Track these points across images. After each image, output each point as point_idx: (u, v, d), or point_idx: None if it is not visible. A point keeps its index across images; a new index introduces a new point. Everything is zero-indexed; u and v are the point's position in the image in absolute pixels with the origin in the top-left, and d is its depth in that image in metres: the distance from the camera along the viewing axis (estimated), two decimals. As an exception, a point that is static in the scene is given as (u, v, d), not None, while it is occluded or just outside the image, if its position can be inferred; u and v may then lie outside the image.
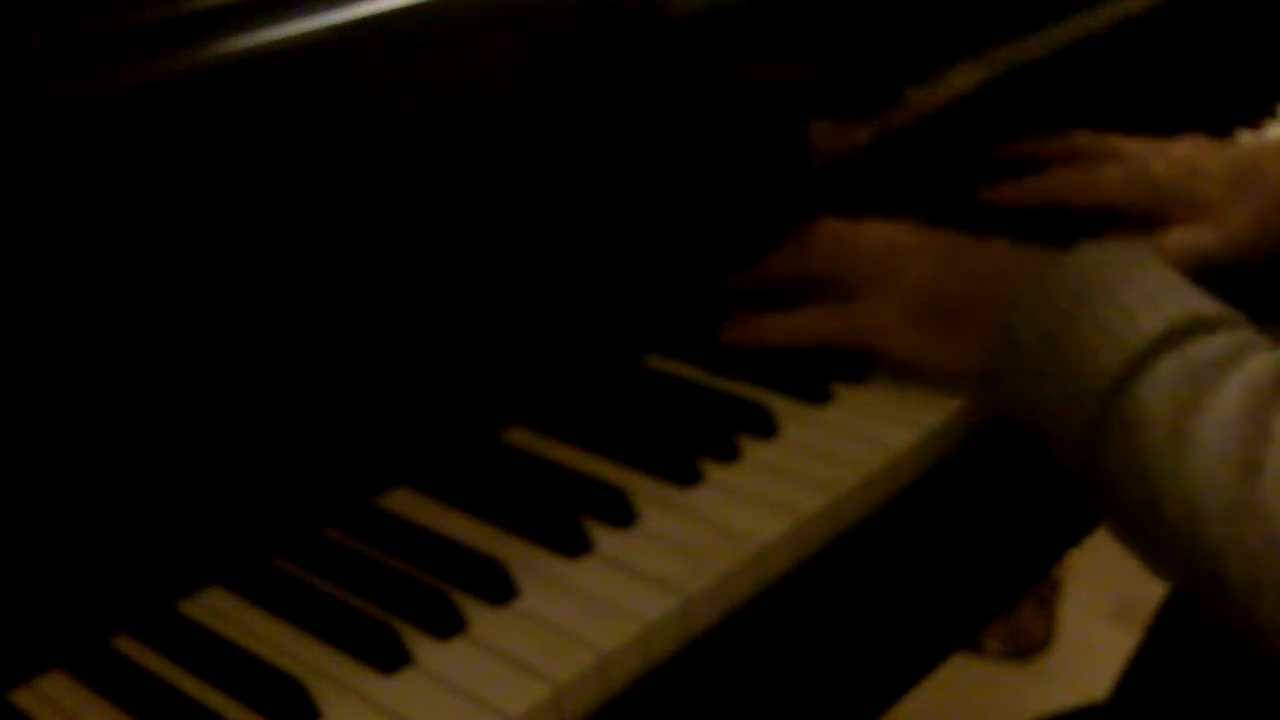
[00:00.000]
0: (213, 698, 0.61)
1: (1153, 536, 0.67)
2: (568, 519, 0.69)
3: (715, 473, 0.73)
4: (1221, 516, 0.64)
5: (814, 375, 0.79)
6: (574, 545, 0.68)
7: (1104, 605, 1.84)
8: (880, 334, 0.79)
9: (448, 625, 0.64)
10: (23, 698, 0.62)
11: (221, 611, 0.66)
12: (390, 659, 0.62)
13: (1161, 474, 0.66)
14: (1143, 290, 0.70)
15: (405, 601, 0.65)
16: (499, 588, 0.65)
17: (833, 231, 0.85)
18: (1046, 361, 0.71)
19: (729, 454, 0.74)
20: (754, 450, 0.75)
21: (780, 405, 0.78)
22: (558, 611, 0.64)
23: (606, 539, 0.69)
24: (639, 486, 0.72)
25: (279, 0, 0.64)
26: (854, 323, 0.80)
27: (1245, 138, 1.11)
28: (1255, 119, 1.13)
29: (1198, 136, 0.98)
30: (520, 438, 0.77)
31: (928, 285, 0.79)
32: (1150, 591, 0.97)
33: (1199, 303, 0.70)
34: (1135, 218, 0.93)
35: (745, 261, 0.88)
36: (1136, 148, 0.95)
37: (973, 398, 0.77)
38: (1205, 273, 0.86)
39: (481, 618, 0.64)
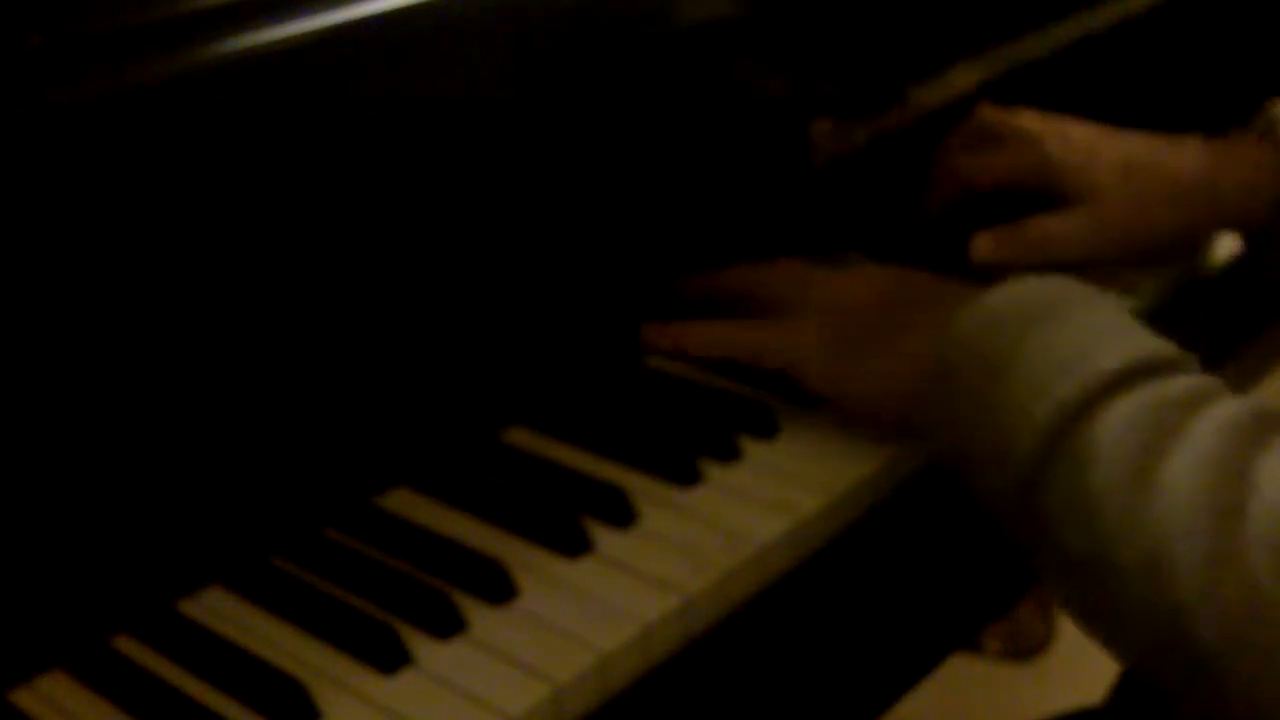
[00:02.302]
0: (213, 698, 0.61)
1: (1098, 586, 0.62)
2: (568, 519, 0.69)
3: (715, 473, 0.73)
4: (1193, 566, 0.58)
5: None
6: (574, 545, 0.68)
7: (1104, 605, 1.84)
8: (796, 357, 0.76)
9: (448, 625, 0.64)
10: (23, 698, 0.62)
11: (221, 611, 0.66)
12: (390, 659, 0.62)
13: (1118, 519, 0.60)
14: (1095, 324, 0.66)
15: (405, 601, 0.65)
16: (499, 588, 0.65)
17: (786, 266, 0.82)
18: (986, 391, 0.66)
19: (729, 454, 0.74)
20: (754, 450, 0.75)
21: (781, 406, 0.78)
22: (558, 611, 0.64)
23: (606, 539, 0.69)
24: (639, 486, 0.72)
25: (279, 0, 0.64)
26: (769, 341, 0.77)
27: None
28: (1254, 119, 1.13)
29: (1151, 135, 0.93)
30: (520, 438, 0.77)
31: (848, 307, 0.76)
32: (1150, 591, 0.97)
33: (1156, 343, 0.66)
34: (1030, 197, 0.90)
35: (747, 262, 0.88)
36: (1035, 126, 0.91)
37: (887, 433, 0.73)
38: (1073, 262, 0.84)
39: (481, 618, 0.64)
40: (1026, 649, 1.80)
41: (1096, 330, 0.66)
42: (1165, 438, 0.61)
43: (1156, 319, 0.82)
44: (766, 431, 0.76)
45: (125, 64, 0.60)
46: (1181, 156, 0.90)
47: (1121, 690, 0.94)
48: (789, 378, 0.78)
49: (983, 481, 0.67)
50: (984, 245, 0.88)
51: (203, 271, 0.65)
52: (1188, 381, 0.64)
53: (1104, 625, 0.63)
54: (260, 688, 0.61)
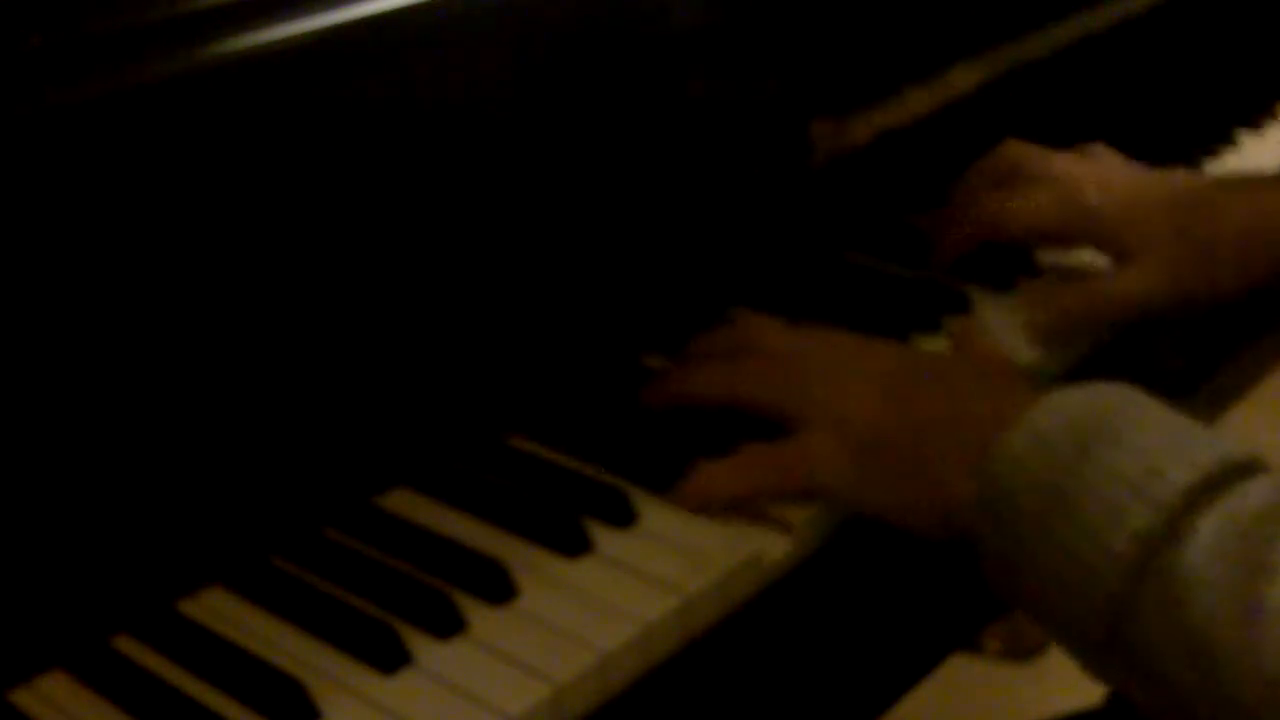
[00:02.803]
0: (213, 698, 0.61)
1: (1207, 713, 0.58)
2: (568, 519, 0.69)
3: (715, 473, 0.73)
4: None
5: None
6: (574, 545, 0.68)
7: (1104, 605, 1.84)
8: (824, 480, 0.69)
9: (448, 625, 0.64)
10: (23, 698, 0.62)
11: (221, 611, 0.66)
12: (390, 659, 0.62)
13: (1231, 652, 0.56)
14: (1152, 437, 0.61)
15: (405, 601, 0.65)
16: (499, 588, 0.65)
17: (759, 349, 0.75)
18: (1049, 522, 0.61)
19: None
20: (754, 450, 0.75)
21: (780, 405, 0.78)
22: (558, 611, 0.64)
23: (606, 539, 0.69)
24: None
25: (279, 0, 0.64)
26: (793, 467, 0.70)
27: (1244, 139, 1.11)
28: (1255, 119, 1.13)
29: (1135, 164, 0.89)
30: (521, 438, 0.77)
31: (870, 421, 0.69)
32: (1150, 591, 0.97)
33: (1222, 446, 0.61)
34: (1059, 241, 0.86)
35: (747, 262, 0.88)
36: (1070, 169, 0.86)
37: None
38: (1146, 317, 0.82)
39: (481, 618, 0.64)
40: (1026, 649, 1.80)
41: (1156, 443, 0.61)
42: (1264, 554, 0.56)
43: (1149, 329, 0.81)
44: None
45: (125, 64, 0.60)
46: (1231, 196, 0.86)
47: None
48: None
49: (1061, 621, 0.62)
50: (1038, 310, 0.83)
51: (203, 272, 0.65)
52: (1264, 487, 0.60)
53: None
54: (260, 688, 0.61)
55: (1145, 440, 0.61)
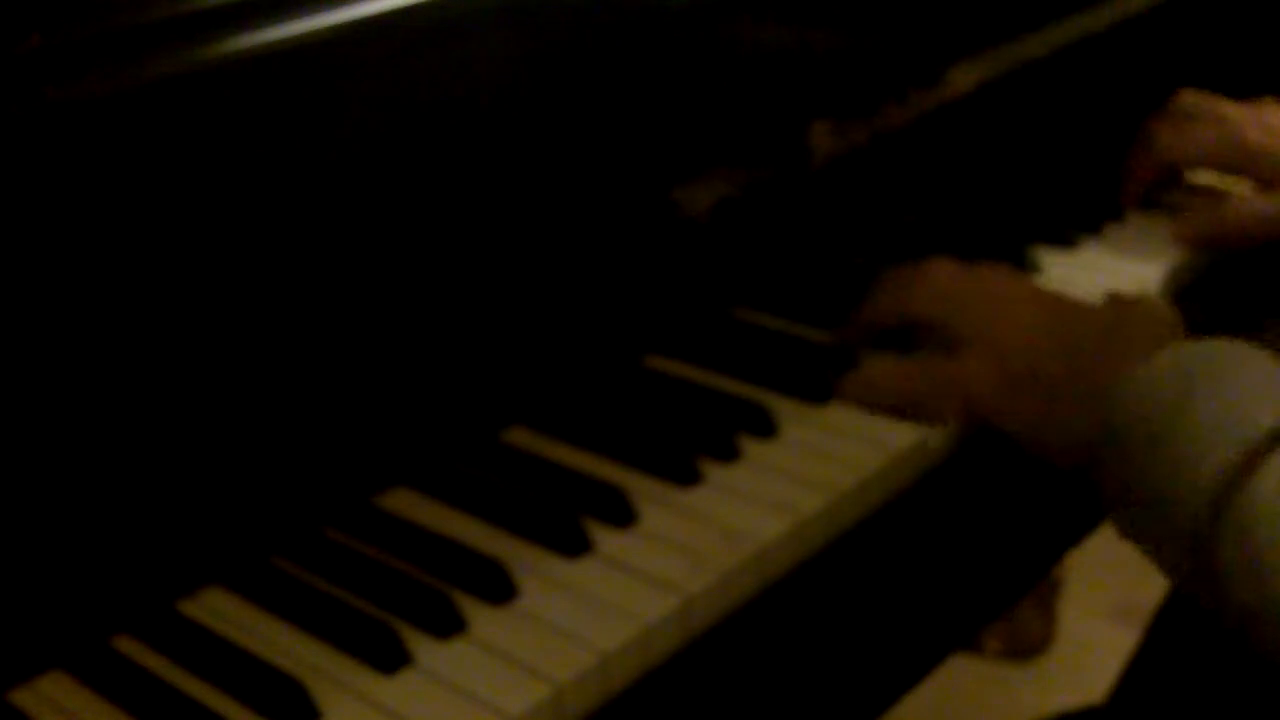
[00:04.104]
0: (213, 698, 0.61)
1: (1273, 636, 0.64)
2: (568, 519, 0.69)
3: (715, 473, 0.73)
4: None
5: (814, 375, 0.79)
6: (574, 545, 0.68)
7: (1104, 605, 1.84)
8: (977, 397, 0.76)
9: (448, 625, 0.64)
10: (23, 698, 0.62)
11: (221, 611, 0.66)
12: (390, 659, 0.62)
13: (1277, 575, 0.62)
14: (1252, 382, 0.68)
15: (405, 601, 0.65)
16: (499, 588, 0.65)
17: (938, 276, 0.82)
18: (1151, 459, 0.68)
19: (729, 454, 0.74)
20: (754, 450, 0.75)
21: (780, 405, 0.78)
22: (558, 611, 0.64)
23: (606, 539, 0.69)
24: (639, 486, 0.72)
25: (279, 0, 0.64)
26: (952, 381, 0.77)
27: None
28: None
29: None
30: (520, 438, 0.77)
31: (1028, 353, 0.76)
32: (1150, 591, 0.97)
33: None
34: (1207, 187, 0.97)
35: (747, 264, 0.88)
36: (1237, 112, 0.97)
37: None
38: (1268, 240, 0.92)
39: (481, 618, 0.64)
40: (1026, 649, 1.80)
41: (1253, 389, 0.67)
42: None
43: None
44: (766, 431, 0.76)
45: (125, 64, 0.60)
46: None
47: (1123, 689, 0.94)
48: (799, 372, 0.78)
49: (1156, 539, 0.68)
50: (1184, 227, 0.94)
51: (203, 272, 0.65)
52: None
53: None
54: (260, 688, 0.61)
55: (1241, 387, 0.67)
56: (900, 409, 0.77)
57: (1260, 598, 0.63)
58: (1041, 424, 0.74)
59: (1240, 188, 0.99)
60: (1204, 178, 1.02)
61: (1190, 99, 1.00)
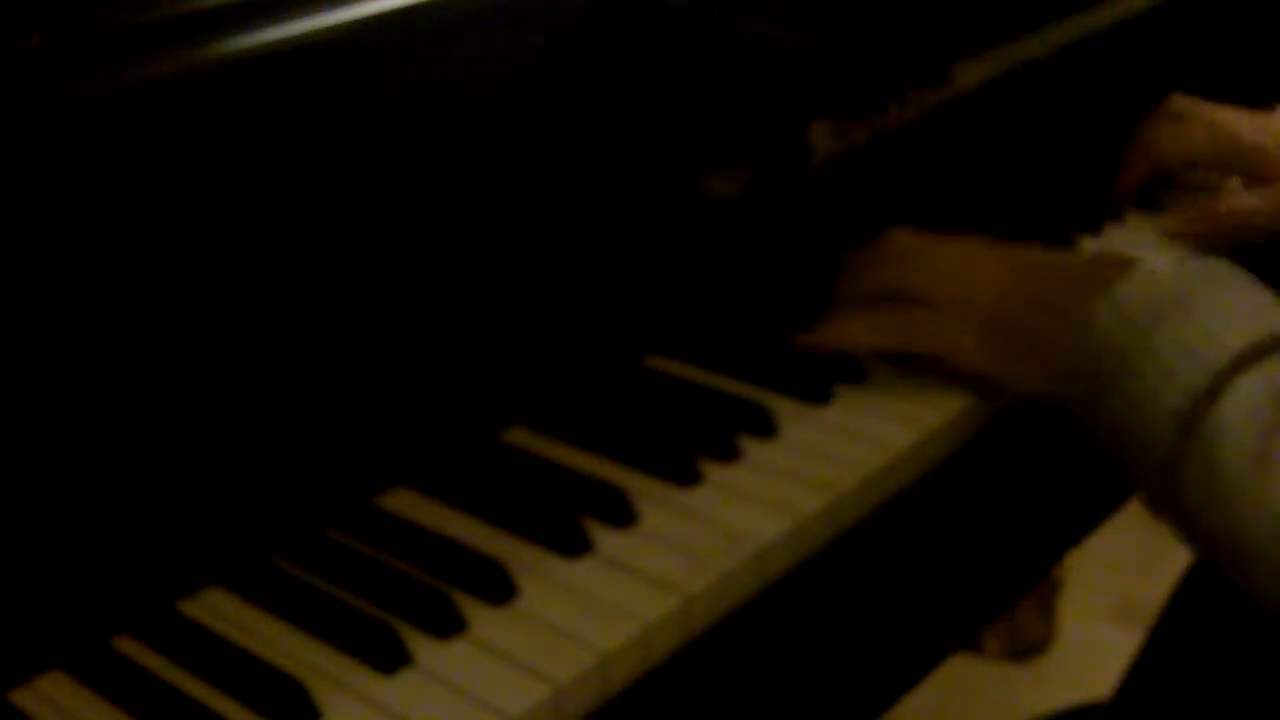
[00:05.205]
0: (213, 698, 0.61)
1: (1237, 561, 0.65)
2: (568, 519, 0.69)
3: (715, 473, 0.73)
4: None
5: (814, 375, 0.79)
6: (574, 545, 0.68)
7: (1104, 605, 1.84)
8: (955, 351, 0.77)
9: (448, 625, 0.64)
10: (23, 698, 0.62)
11: (221, 611, 0.66)
12: (390, 659, 0.62)
13: (1246, 499, 0.63)
14: (1224, 306, 0.68)
15: (405, 601, 0.65)
16: (499, 588, 0.65)
17: (904, 247, 0.83)
18: (1122, 382, 0.68)
19: (729, 454, 0.74)
20: (754, 450, 0.75)
21: (780, 405, 0.78)
22: (558, 611, 0.64)
23: (606, 539, 0.69)
24: (639, 486, 0.72)
25: (279, 0, 0.64)
26: (929, 335, 0.78)
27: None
28: (1266, 107, 1.13)
29: None
30: (520, 438, 0.77)
31: (1003, 304, 0.77)
32: (1150, 591, 0.97)
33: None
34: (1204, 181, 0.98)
35: (746, 264, 0.88)
36: (1228, 112, 0.98)
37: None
38: (1262, 237, 0.92)
39: (481, 618, 0.64)
40: (1026, 649, 1.80)
41: (1223, 312, 0.68)
42: None
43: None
44: (766, 431, 0.76)
45: (125, 64, 0.60)
46: None
47: (1128, 687, 0.94)
48: (799, 372, 0.78)
49: (1132, 466, 0.69)
50: (1177, 223, 0.95)
51: (204, 272, 0.65)
52: None
53: (1251, 591, 0.66)
54: (260, 688, 0.61)
55: (1212, 311, 0.68)
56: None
57: (1224, 521, 0.64)
58: (1015, 367, 0.75)
59: (1235, 185, 1.00)
60: (1200, 177, 1.03)
61: (1182, 101, 1.01)
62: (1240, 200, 0.96)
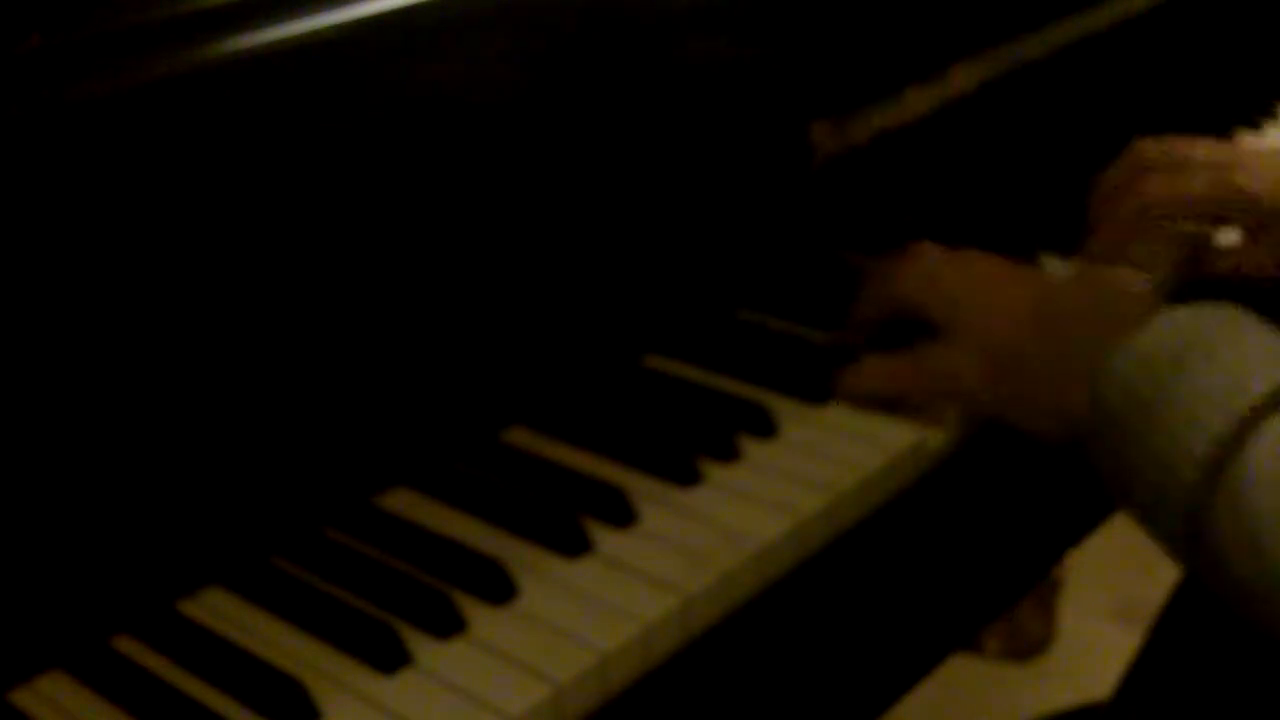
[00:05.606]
0: (213, 698, 0.61)
1: (1274, 607, 0.63)
2: (568, 519, 0.69)
3: (715, 473, 0.73)
4: None
5: (815, 374, 0.79)
6: (574, 545, 0.68)
7: (1104, 605, 1.84)
8: (959, 389, 0.76)
9: (448, 625, 0.64)
10: (23, 698, 0.62)
11: (221, 611, 0.66)
12: (390, 659, 0.62)
13: (1276, 544, 0.62)
14: (1245, 352, 0.67)
15: (405, 601, 0.65)
16: (499, 588, 0.65)
17: (926, 267, 0.81)
18: (1141, 429, 0.67)
19: (729, 454, 0.74)
20: (754, 450, 0.75)
21: (780, 405, 0.78)
22: (558, 611, 0.64)
23: (606, 539, 0.69)
24: (639, 486, 0.72)
25: (279, 0, 0.64)
26: (933, 375, 0.77)
27: (1245, 138, 1.11)
28: (1255, 118, 1.14)
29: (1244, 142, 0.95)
30: (520, 438, 0.77)
31: (1011, 340, 0.75)
32: (1150, 591, 0.97)
33: None
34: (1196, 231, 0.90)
35: (746, 264, 0.88)
36: (1213, 154, 0.91)
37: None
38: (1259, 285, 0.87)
39: (481, 618, 0.64)
40: (1026, 649, 1.80)
41: (1244, 358, 0.66)
42: None
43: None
44: (766, 431, 0.76)
45: (125, 64, 0.60)
46: None
47: (1128, 687, 0.94)
48: (799, 372, 0.78)
49: (1153, 514, 0.68)
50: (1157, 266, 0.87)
51: (204, 272, 0.65)
52: None
53: None
54: (260, 688, 0.61)
55: (1234, 357, 0.66)
56: (895, 405, 0.77)
57: (1256, 568, 0.63)
58: (1028, 408, 0.74)
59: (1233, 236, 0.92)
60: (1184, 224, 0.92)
61: (1153, 150, 0.91)
62: (1244, 255, 0.89)
